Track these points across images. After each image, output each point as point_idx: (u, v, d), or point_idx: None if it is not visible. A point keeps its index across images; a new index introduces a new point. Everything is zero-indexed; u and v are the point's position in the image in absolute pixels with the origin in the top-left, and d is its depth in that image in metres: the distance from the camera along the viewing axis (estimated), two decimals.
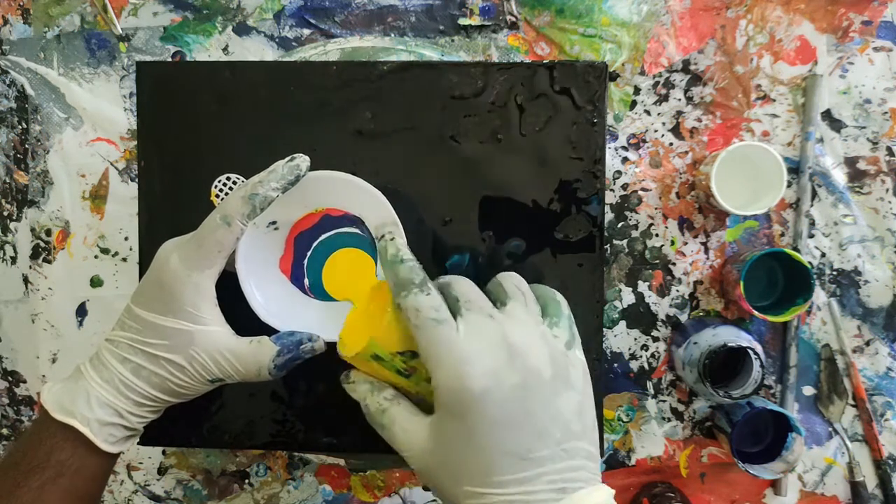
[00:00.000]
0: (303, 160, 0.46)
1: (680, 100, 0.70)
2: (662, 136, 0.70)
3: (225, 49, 0.72)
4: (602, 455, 0.69)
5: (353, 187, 0.49)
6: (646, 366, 0.70)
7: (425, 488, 0.72)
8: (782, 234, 0.69)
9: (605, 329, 0.68)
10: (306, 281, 0.52)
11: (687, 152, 0.70)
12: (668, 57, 0.69)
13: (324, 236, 0.51)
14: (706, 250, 0.70)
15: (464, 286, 0.41)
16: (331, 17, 0.71)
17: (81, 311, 0.73)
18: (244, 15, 0.71)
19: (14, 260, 0.74)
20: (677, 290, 0.70)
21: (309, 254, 0.51)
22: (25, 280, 0.74)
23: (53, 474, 0.44)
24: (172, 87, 0.56)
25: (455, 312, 0.39)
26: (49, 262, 0.73)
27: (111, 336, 0.46)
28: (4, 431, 0.75)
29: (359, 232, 0.51)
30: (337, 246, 0.51)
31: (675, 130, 0.70)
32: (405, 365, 0.41)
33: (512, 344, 0.38)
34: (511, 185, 0.55)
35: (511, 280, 0.43)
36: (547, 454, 0.36)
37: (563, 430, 0.37)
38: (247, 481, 0.73)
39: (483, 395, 0.36)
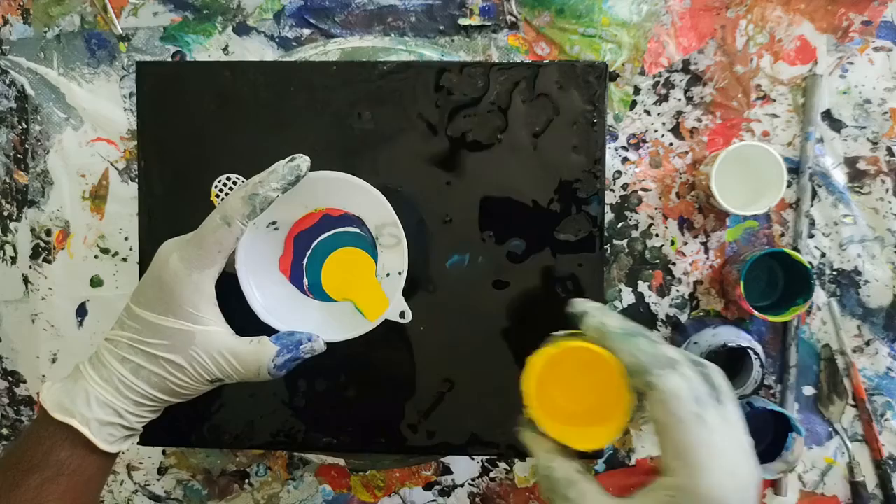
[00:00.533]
0: (303, 160, 0.46)
1: (680, 100, 0.69)
2: (662, 136, 0.70)
3: (225, 49, 0.72)
4: (602, 455, 0.69)
5: (354, 187, 0.49)
6: None
7: (425, 488, 0.72)
8: (782, 234, 0.69)
9: None
10: (305, 281, 0.52)
11: (687, 152, 0.70)
12: (668, 57, 0.69)
13: (323, 236, 0.51)
14: (706, 250, 0.70)
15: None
16: (331, 17, 0.71)
17: (81, 311, 0.73)
18: (244, 15, 0.71)
19: (14, 260, 0.74)
20: (677, 290, 0.70)
21: (308, 253, 0.51)
22: (25, 280, 0.74)
23: (52, 474, 0.44)
24: (172, 87, 0.56)
25: (716, 402, 0.36)
26: (49, 262, 0.73)
27: (110, 336, 0.46)
28: (4, 431, 0.75)
29: (358, 231, 0.51)
30: (336, 245, 0.51)
31: (675, 130, 0.70)
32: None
33: (751, 458, 0.36)
34: (511, 185, 0.55)
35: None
36: None
37: None
38: (247, 481, 0.73)
39: None
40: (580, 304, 0.39)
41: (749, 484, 0.35)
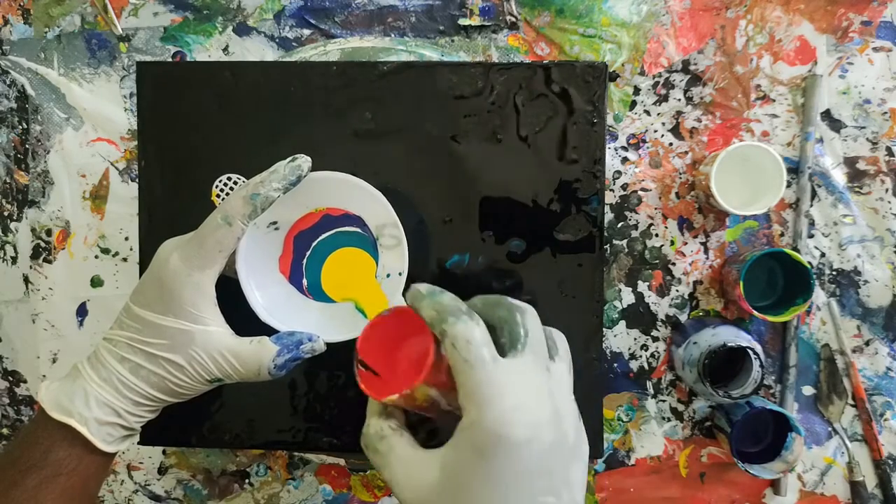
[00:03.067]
0: (304, 160, 0.46)
1: (680, 100, 0.70)
2: (662, 136, 0.70)
3: (225, 49, 0.72)
4: (601, 455, 0.69)
5: (354, 188, 0.49)
6: (645, 366, 0.70)
7: None
8: (782, 234, 0.69)
9: (605, 329, 0.68)
10: (305, 281, 0.52)
11: (687, 152, 0.70)
12: (667, 57, 0.69)
13: (323, 236, 0.51)
14: (706, 250, 0.70)
15: (535, 323, 0.39)
16: (331, 17, 0.71)
17: (82, 311, 0.73)
18: (244, 15, 0.71)
19: (14, 260, 0.74)
20: (677, 290, 0.70)
21: (308, 254, 0.51)
22: (26, 280, 0.74)
23: (51, 473, 0.44)
24: (172, 87, 0.56)
25: (515, 345, 0.37)
26: (49, 262, 0.73)
27: (110, 335, 0.46)
28: (4, 431, 0.75)
29: (359, 231, 0.51)
30: (336, 246, 0.51)
31: (675, 130, 0.70)
32: (431, 407, 0.39)
33: (556, 403, 0.37)
34: (511, 185, 0.55)
35: (562, 341, 0.42)
36: None
37: (569, 496, 0.37)
38: (247, 481, 0.73)
39: (523, 444, 0.35)
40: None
41: (539, 421, 0.36)
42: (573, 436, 0.38)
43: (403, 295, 0.48)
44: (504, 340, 0.38)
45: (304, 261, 0.52)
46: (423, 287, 0.38)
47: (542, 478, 0.36)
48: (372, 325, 0.40)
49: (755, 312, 0.64)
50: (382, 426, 0.40)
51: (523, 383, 0.36)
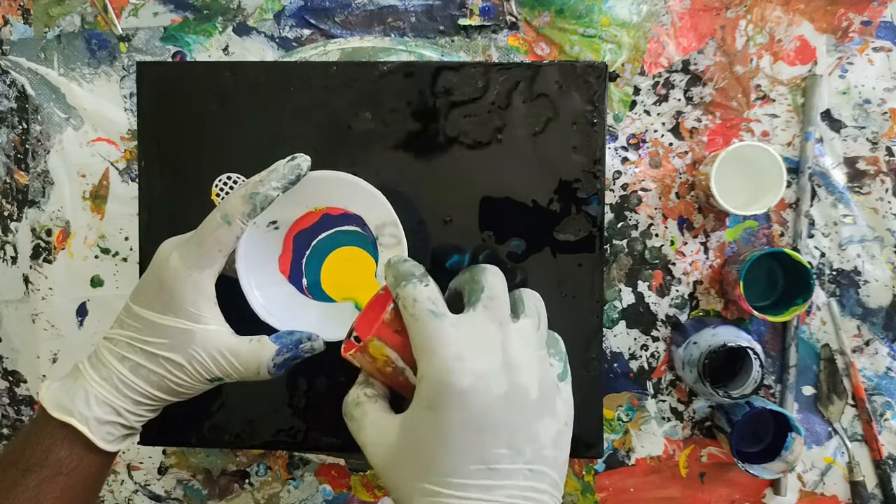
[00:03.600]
0: (304, 160, 0.46)
1: (680, 100, 0.70)
2: (662, 136, 0.70)
3: (225, 49, 0.72)
4: (601, 455, 0.69)
5: (354, 187, 0.49)
6: (646, 366, 0.70)
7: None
8: (782, 234, 0.69)
9: (605, 329, 0.68)
10: (304, 281, 0.52)
11: (687, 152, 0.70)
12: (667, 57, 0.69)
13: (323, 235, 0.51)
14: (706, 250, 0.70)
15: (495, 280, 0.40)
16: (331, 17, 0.71)
17: (82, 311, 0.73)
18: (244, 15, 0.71)
19: (14, 260, 0.74)
20: (677, 290, 0.70)
21: (308, 253, 0.51)
22: (26, 280, 0.74)
23: (51, 473, 0.44)
24: (172, 87, 0.56)
25: (470, 301, 0.39)
26: (49, 262, 0.73)
27: (110, 334, 0.46)
28: (5, 431, 0.75)
29: (358, 230, 0.51)
30: (336, 245, 0.51)
31: (675, 130, 0.70)
32: (398, 375, 0.41)
33: (509, 356, 0.38)
34: (511, 185, 0.55)
35: (532, 299, 0.42)
36: (513, 469, 0.36)
37: (535, 452, 0.37)
38: (247, 481, 0.73)
39: (466, 393, 0.36)
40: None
41: (484, 371, 0.36)
42: (537, 391, 0.38)
43: None
44: (465, 300, 0.39)
45: (304, 260, 0.52)
46: (393, 258, 0.41)
47: (496, 430, 0.36)
48: (369, 303, 0.43)
49: (755, 312, 0.64)
50: (359, 393, 0.42)
51: (469, 335, 0.37)
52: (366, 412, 0.40)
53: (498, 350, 0.38)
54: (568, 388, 0.41)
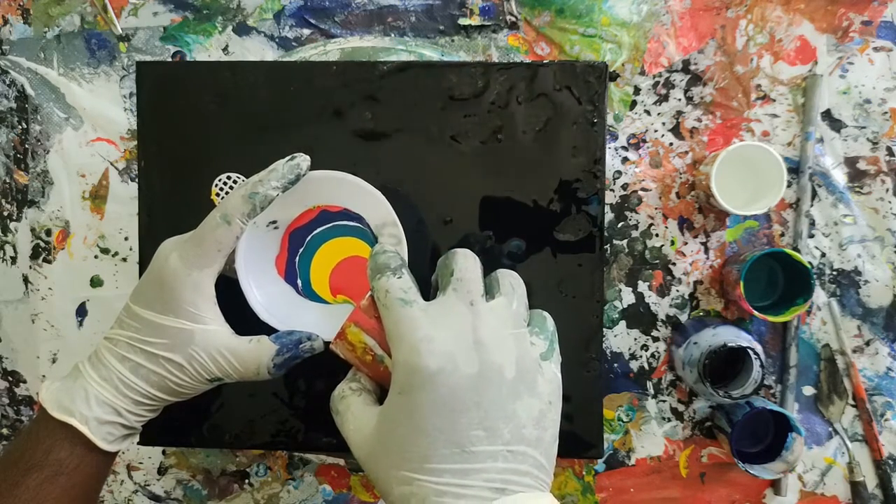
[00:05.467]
0: (303, 159, 0.46)
1: (680, 100, 0.70)
2: (662, 136, 0.70)
3: (225, 49, 0.72)
4: (602, 455, 0.69)
5: (354, 187, 0.49)
6: (646, 366, 0.70)
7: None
8: (782, 234, 0.69)
9: (605, 329, 0.68)
10: (299, 281, 0.52)
11: (687, 152, 0.70)
12: (668, 57, 0.69)
13: (318, 230, 0.51)
14: (706, 250, 0.70)
15: (465, 262, 0.40)
16: (331, 17, 0.71)
17: (81, 311, 0.73)
18: (244, 15, 0.71)
19: (14, 260, 0.74)
20: (677, 290, 0.70)
21: (301, 250, 0.51)
22: (25, 280, 0.74)
23: (52, 473, 0.44)
24: (172, 87, 0.56)
25: (441, 287, 0.40)
26: (49, 262, 0.73)
27: (110, 335, 0.46)
28: (4, 431, 0.75)
29: (357, 224, 0.51)
30: (330, 236, 0.51)
31: (675, 130, 0.70)
32: (378, 365, 0.41)
33: (479, 336, 0.37)
34: (511, 185, 0.55)
35: (508, 278, 0.42)
36: (490, 451, 0.35)
37: (513, 432, 0.36)
38: (247, 481, 0.73)
39: (435, 374, 0.36)
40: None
41: (452, 351, 0.36)
42: (514, 370, 0.37)
43: None
44: (438, 286, 0.40)
45: (297, 258, 0.51)
46: (375, 247, 0.42)
47: (468, 411, 0.36)
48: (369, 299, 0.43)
49: (755, 312, 0.63)
50: (344, 388, 0.42)
51: (436, 317, 0.38)
52: (349, 405, 0.41)
53: (468, 330, 0.37)
54: (553, 366, 0.40)
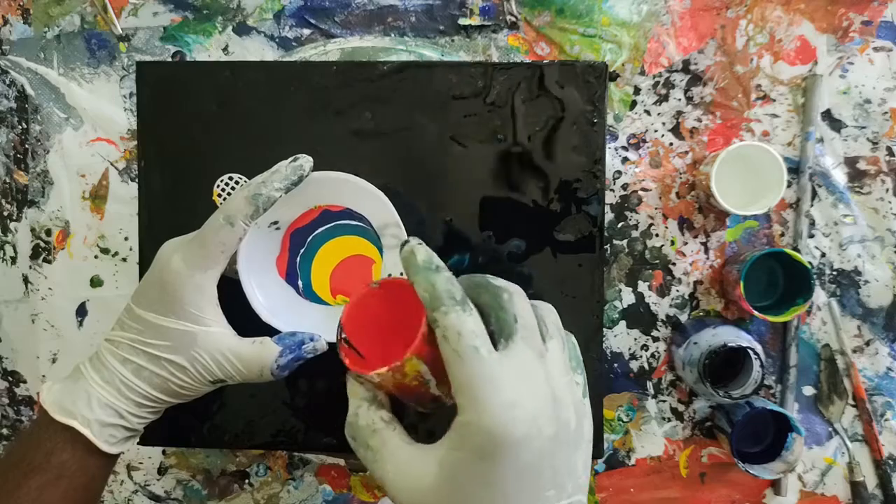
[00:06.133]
0: (306, 160, 0.46)
1: (680, 100, 0.70)
2: (662, 136, 0.70)
3: (225, 49, 0.72)
4: (602, 455, 0.69)
5: (356, 188, 0.49)
6: (646, 366, 0.70)
7: None
8: (782, 234, 0.69)
9: (605, 329, 0.68)
10: (300, 282, 0.52)
11: (687, 152, 0.70)
12: (668, 57, 0.69)
13: (319, 230, 0.51)
14: (706, 250, 0.70)
15: (524, 305, 0.37)
16: (331, 17, 0.71)
17: (81, 311, 0.73)
18: (244, 15, 0.71)
19: (14, 260, 0.74)
20: (677, 290, 0.70)
21: (302, 250, 0.51)
22: (25, 280, 0.74)
23: (53, 475, 0.44)
24: (172, 87, 0.56)
25: (504, 334, 0.36)
26: (49, 262, 0.73)
27: (111, 336, 0.46)
28: (4, 431, 0.75)
29: (359, 224, 0.51)
30: (332, 236, 0.51)
31: (675, 130, 0.70)
32: (421, 388, 0.38)
33: (554, 392, 0.35)
34: (511, 185, 0.55)
35: (553, 316, 0.39)
36: None
37: (574, 483, 0.36)
38: (247, 481, 0.73)
39: (522, 441, 0.34)
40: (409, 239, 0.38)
41: (537, 414, 0.34)
42: (574, 421, 0.36)
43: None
44: (493, 328, 0.36)
45: (298, 259, 0.51)
46: (420, 255, 0.36)
47: (545, 473, 0.35)
48: (358, 300, 0.39)
49: (755, 312, 0.64)
50: (374, 418, 0.38)
51: (517, 376, 0.34)
52: (384, 441, 0.37)
53: (545, 388, 0.35)
54: (588, 401, 0.39)
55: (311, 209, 0.50)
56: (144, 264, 0.55)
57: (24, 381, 0.75)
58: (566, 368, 0.37)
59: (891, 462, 0.69)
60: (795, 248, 0.68)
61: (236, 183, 0.54)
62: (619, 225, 0.70)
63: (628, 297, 0.70)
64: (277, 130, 0.55)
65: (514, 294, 0.37)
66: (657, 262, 0.70)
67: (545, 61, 0.69)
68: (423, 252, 0.37)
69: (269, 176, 0.45)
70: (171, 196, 0.56)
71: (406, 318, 0.38)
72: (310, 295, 0.51)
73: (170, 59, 0.71)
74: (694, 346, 0.65)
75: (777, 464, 0.64)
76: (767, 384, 0.69)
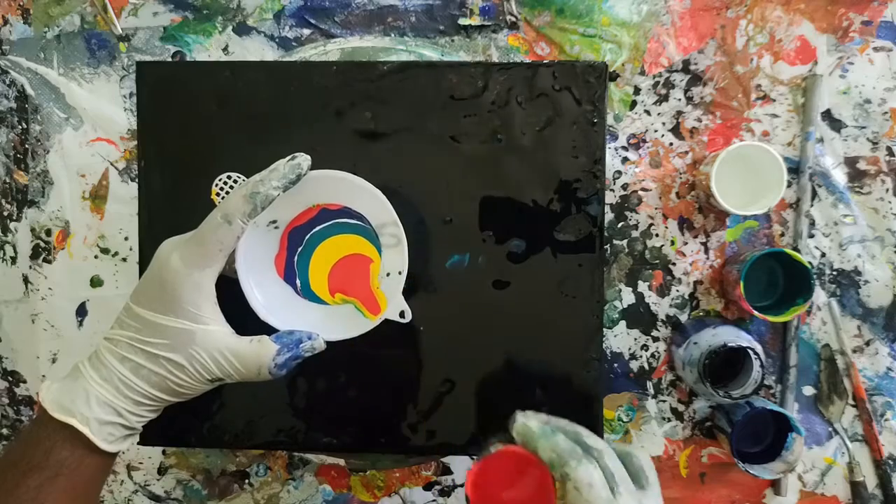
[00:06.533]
0: (304, 159, 0.46)
1: (680, 100, 0.70)
2: (662, 136, 0.70)
3: (225, 49, 0.72)
4: None
5: (354, 187, 0.49)
6: (646, 366, 0.70)
7: (425, 488, 0.72)
8: (782, 234, 0.69)
9: (605, 329, 0.68)
10: (298, 281, 0.51)
11: (687, 152, 0.70)
12: (668, 57, 0.69)
13: (317, 228, 0.51)
14: (706, 250, 0.70)
15: (616, 461, 0.40)
16: (331, 17, 0.71)
17: (81, 311, 0.73)
18: (244, 15, 0.71)
19: (14, 260, 0.74)
20: (677, 290, 0.70)
21: (300, 249, 0.51)
22: (25, 280, 0.74)
23: (52, 474, 0.44)
24: (172, 87, 0.56)
25: (622, 488, 0.39)
26: (49, 262, 0.73)
27: (110, 335, 0.46)
28: (4, 431, 0.75)
29: (357, 222, 0.50)
30: (329, 234, 0.51)
31: (675, 130, 0.70)
32: None
33: None
34: (511, 185, 0.55)
35: (648, 464, 0.43)
36: None
37: None
38: (247, 481, 0.73)
39: None
40: (516, 416, 0.41)
41: None
42: None
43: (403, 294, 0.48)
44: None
45: (296, 257, 0.51)
46: (534, 425, 0.40)
47: None
48: (478, 469, 0.42)
49: (755, 312, 0.63)
50: None
51: None
52: None
53: None
54: None
55: (310, 208, 0.50)
56: (144, 264, 0.55)
57: (24, 381, 0.75)
58: None
59: (891, 462, 0.69)
60: (795, 248, 0.68)
61: (234, 182, 0.54)
62: (619, 225, 0.70)
63: (628, 297, 0.70)
64: (277, 130, 0.55)
65: (604, 450, 0.40)
66: (657, 262, 0.70)
67: (545, 61, 0.69)
68: (534, 421, 0.40)
69: (267, 174, 0.45)
70: (171, 196, 0.56)
71: (523, 479, 0.42)
72: (308, 294, 0.51)
73: (170, 59, 0.72)
74: (694, 346, 0.65)
75: (777, 464, 0.64)
76: (767, 384, 0.69)
